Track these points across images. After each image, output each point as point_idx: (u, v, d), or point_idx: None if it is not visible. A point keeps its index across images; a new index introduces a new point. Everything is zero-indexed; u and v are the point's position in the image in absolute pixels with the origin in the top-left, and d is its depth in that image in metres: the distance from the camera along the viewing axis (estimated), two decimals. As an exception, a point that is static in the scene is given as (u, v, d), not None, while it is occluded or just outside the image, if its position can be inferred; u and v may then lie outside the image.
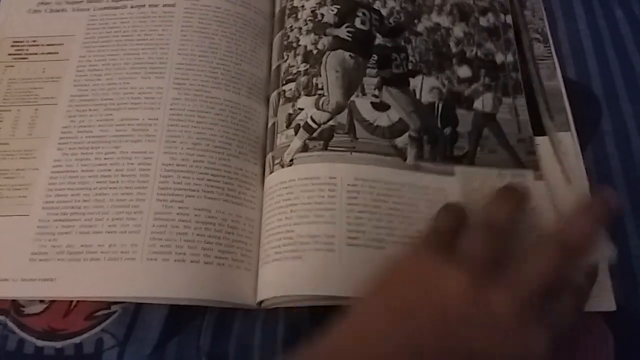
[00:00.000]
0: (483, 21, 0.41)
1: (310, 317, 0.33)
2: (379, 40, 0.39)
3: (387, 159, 0.35)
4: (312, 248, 0.32)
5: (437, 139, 0.36)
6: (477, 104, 0.37)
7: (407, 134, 0.36)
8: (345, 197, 0.33)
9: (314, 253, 0.32)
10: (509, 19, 0.41)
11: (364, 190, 0.33)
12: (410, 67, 0.38)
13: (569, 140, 0.36)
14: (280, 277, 0.32)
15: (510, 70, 0.39)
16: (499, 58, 0.39)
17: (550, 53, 0.40)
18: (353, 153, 0.35)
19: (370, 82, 0.37)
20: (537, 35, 0.41)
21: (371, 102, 0.37)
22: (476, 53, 0.39)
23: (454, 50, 0.39)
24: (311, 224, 0.32)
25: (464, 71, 0.38)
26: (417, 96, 0.37)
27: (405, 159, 0.35)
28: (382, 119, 0.36)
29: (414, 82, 0.38)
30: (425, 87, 0.38)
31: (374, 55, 0.38)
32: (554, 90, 0.38)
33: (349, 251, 0.32)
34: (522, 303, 0.25)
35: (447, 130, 0.36)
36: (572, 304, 0.28)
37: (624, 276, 0.33)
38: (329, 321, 0.26)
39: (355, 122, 0.36)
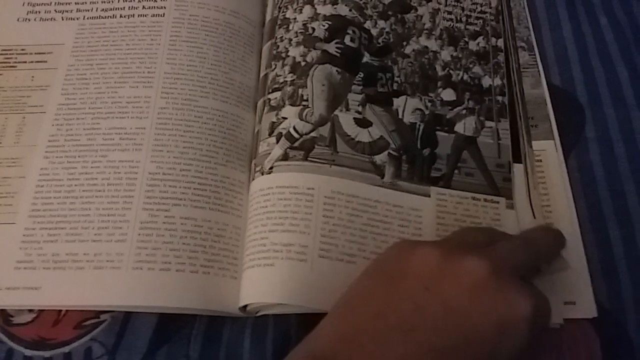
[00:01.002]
0: (473, 45, 0.41)
1: (300, 324, 0.33)
2: (366, 58, 0.39)
3: (365, 174, 0.35)
4: (284, 256, 0.32)
5: (416, 159, 0.37)
6: (459, 127, 0.38)
7: (386, 151, 0.37)
8: (321, 208, 0.33)
9: (286, 262, 0.32)
10: (500, 42, 0.42)
11: (340, 204, 0.34)
12: (395, 87, 0.39)
13: (551, 149, 0.37)
14: (255, 283, 0.32)
15: (497, 94, 0.39)
16: (486, 82, 0.40)
17: (535, 61, 0.41)
18: (332, 166, 0.35)
19: (354, 98, 0.38)
20: (522, 44, 0.42)
21: (354, 118, 0.37)
22: (462, 77, 0.40)
23: (440, 73, 0.40)
24: (285, 232, 0.32)
25: (448, 94, 0.39)
26: (400, 116, 0.38)
27: (382, 177, 0.36)
28: (364, 135, 0.37)
29: (398, 102, 0.38)
30: (408, 107, 0.38)
31: (361, 72, 0.39)
32: (538, 98, 0.39)
33: (320, 263, 0.32)
34: (498, 268, 0.26)
35: (426, 152, 0.37)
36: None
37: (608, 280, 0.34)
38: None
39: (337, 136, 0.36)
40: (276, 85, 0.38)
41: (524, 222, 0.35)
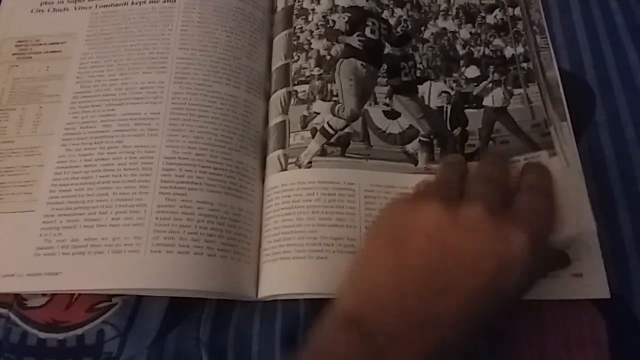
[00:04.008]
0: (490, 19, 0.41)
1: (308, 308, 0.33)
2: (388, 49, 0.40)
3: (399, 164, 0.36)
4: (336, 249, 0.33)
5: (447, 141, 0.37)
6: (487, 101, 0.38)
7: (417, 139, 0.37)
8: (363, 202, 0.34)
9: (338, 255, 0.33)
10: (517, 11, 0.41)
11: (380, 196, 0.35)
12: (418, 75, 0.39)
13: (566, 130, 0.37)
14: (303, 274, 0.33)
15: (521, 61, 0.39)
16: (508, 52, 0.40)
17: (547, 44, 0.41)
18: (368, 160, 0.36)
19: (381, 91, 0.39)
20: (534, 27, 0.42)
21: (383, 111, 0.38)
22: (484, 52, 0.40)
23: (461, 52, 0.40)
24: (333, 226, 0.34)
25: (472, 71, 0.39)
26: (426, 102, 0.39)
27: (416, 164, 0.36)
28: (394, 127, 0.38)
29: (422, 89, 0.39)
30: (433, 92, 0.39)
31: (384, 64, 0.40)
32: (552, 81, 0.39)
33: None
34: (490, 209, 0.28)
35: (457, 131, 0.37)
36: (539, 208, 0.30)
37: (616, 263, 0.34)
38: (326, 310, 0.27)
39: (369, 130, 0.38)
40: (302, 78, 0.39)
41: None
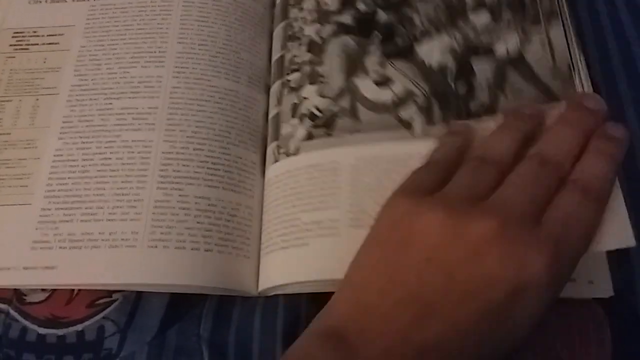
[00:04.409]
0: None
1: (310, 304, 0.33)
2: (382, 17, 0.37)
3: (390, 133, 0.33)
4: (316, 234, 0.32)
5: (449, 100, 0.33)
6: (499, 49, 0.34)
7: (412, 103, 0.34)
8: (347, 179, 0.32)
9: (319, 239, 0.32)
10: None
11: (366, 170, 0.32)
12: (417, 35, 0.35)
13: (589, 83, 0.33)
14: (286, 264, 0.32)
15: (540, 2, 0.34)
16: None
17: None
18: (354, 134, 0.34)
19: (372, 60, 0.36)
20: None
21: (374, 81, 0.35)
22: None
23: None
24: (315, 210, 0.32)
25: (481, 18, 0.35)
26: (426, 62, 0.35)
27: (411, 130, 0.33)
28: (385, 95, 0.35)
29: (421, 49, 0.35)
30: (435, 51, 0.35)
31: (377, 33, 0.37)
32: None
33: (352, 233, 0.31)
34: (507, 223, 0.24)
35: (462, 89, 0.33)
36: (576, 206, 0.25)
37: (620, 261, 0.33)
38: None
39: (358, 104, 0.35)
40: (294, 66, 0.38)
41: None
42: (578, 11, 0.42)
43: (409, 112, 0.34)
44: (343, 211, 0.32)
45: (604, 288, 0.31)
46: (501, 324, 0.23)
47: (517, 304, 0.23)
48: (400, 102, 0.34)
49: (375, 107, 0.34)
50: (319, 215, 0.32)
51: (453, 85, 0.34)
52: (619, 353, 0.31)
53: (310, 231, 0.32)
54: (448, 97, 0.34)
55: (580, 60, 0.32)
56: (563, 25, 0.34)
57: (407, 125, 0.33)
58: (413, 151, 0.31)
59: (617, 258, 0.33)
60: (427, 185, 0.27)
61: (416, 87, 0.34)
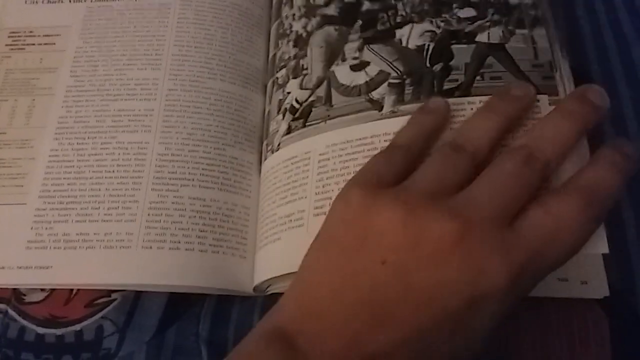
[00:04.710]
0: None
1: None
2: (366, 5, 0.37)
3: (360, 115, 0.32)
4: (287, 227, 0.31)
5: (423, 78, 0.32)
6: (481, 37, 0.33)
7: (386, 83, 0.33)
8: (316, 167, 0.32)
9: (288, 232, 0.31)
10: None
11: (334, 156, 0.31)
12: (398, 20, 0.35)
13: (572, 82, 0.32)
14: (266, 260, 0.33)
15: (528, 8, 0.34)
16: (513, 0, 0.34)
17: None
18: (327, 121, 0.33)
19: (351, 46, 0.35)
20: None
21: (350, 66, 0.34)
22: None
23: None
24: (288, 203, 0.32)
25: (466, 12, 0.34)
26: (404, 44, 0.34)
27: (381, 110, 0.32)
28: (360, 78, 0.33)
29: (401, 32, 0.34)
30: (414, 33, 0.34)
31: (359, 20, 0.36)
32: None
33: (316, 222, 0.29)
34: (469, 226, 0.22)
35: (437, 67, 0.32)
36: (554, 214, 0.23)
37: (619, 261, 0.33)
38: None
39: (332, 91, 0.34)
40: (282, 63, 0.38)
41: None
42: (576, 10, 0.42)
43: (380, 92, 0.32)
44: (309, 201, 0.31)
45: (599, 288, 0.31)
46: (459, 332, 0.22)
47: (475, 312, 0.22)
48: (372, 83, 0.33)
49: (348, 91, 0.33)
50: (290, 208, 0.32)
51: (428, 62, 0.33)
52: (619, 353, 0.31)
53: (283, 225, 0.32)
54: (422, 74, 0.32)
55: (563, 66, 0.31)
56: (546, 30, 0.33)
57: (377, 106, 0.32)
58: (379, 131, 0.30)
59: (617, 258, 0.33)
60: (387, 176, 0.25)
61: (391, 67, 0.33)
